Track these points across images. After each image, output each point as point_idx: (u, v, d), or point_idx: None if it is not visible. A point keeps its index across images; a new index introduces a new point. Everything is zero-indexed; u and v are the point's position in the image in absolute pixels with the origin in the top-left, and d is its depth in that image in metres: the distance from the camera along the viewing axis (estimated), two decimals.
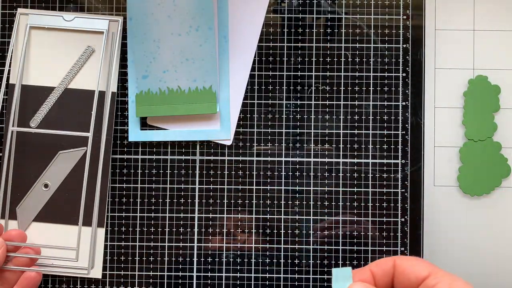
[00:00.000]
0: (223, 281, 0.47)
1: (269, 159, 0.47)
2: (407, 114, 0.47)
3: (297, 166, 0.47)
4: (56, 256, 0.46)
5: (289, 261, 0.47)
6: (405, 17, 0.47)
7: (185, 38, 0.44)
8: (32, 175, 0.46)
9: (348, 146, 0.47)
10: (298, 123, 0.47)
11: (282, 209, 0.47)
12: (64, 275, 0.46)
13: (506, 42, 0.47)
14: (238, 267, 0.47)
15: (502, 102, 0.47)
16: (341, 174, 0.47)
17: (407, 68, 0.47)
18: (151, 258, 0.47)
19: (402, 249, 0.47)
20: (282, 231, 0.47)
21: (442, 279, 0.32)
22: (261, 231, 0.47)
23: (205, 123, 0.47)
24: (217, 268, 0.47)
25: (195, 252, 0.47)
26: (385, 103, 0.47)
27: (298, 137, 0.47)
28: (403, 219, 0.47)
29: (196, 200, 0.47)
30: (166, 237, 0.47)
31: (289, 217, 0.47)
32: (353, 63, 0.47)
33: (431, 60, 0.48)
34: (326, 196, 0.47)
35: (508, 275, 0.47)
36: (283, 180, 0.47)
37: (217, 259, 0.47)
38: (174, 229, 0.47)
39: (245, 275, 0.47)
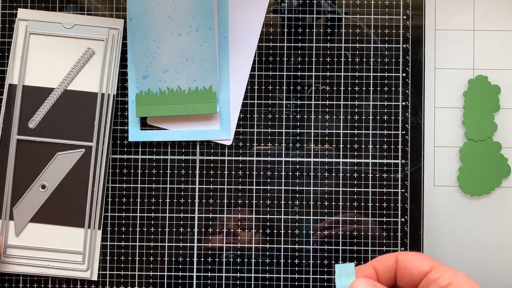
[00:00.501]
0: (223, 281, 0.47)
1: (269, 159, 0.47)
2: (407, 114, 0.47)
3: (297, 166, 0.47)
4: (56, 258, 0.46)
5: (289, 261, 0.47)
6: (405, 17, 0.47)
7: (185, 38, 0.44)
8: (29, 176, 0.46)
9: (348, 146, 0.47)
10: (298, 123, 0.47)
11: (282, 209, 0.47)
12: (63, 276, 0.46)
13: (506, 42, 0.47)
14: (238, 267, 0.47)
15: (502, 102, 0.47)
16: (341, 174, 0.47)
17: (407, 68, 0.47)
18: (151, 258, 0.47)
19: (402, 249, 0.47)
20: (282, 231, 0.47)
21: (443, 273, 0.32)
22: (261, 231, 0.47)
23: (205, 123, 0.47)
24: (217, 268, 0.47)
25: (195, 252, 0.47)
26: (385, 103, 0.47)
27: (298, 137, 0.47)
28: (403, 219, 0.47)
29: (196, 200, 0.47)
30: (166, 237, 0.47)
31: (289, 217, 0.47)
32: (353, 63, 0.47)
33: (431, 60, 0.48)
34: (326, 196, 0.47)
35: (508, 275, 0.47)
36: (283, 180, 0.47)
37: (217, 259, 0.47)
38: (174, 229, 0.47)
39: (245, 275, 0.47)
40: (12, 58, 0.47)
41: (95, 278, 0.46)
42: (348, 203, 0.47)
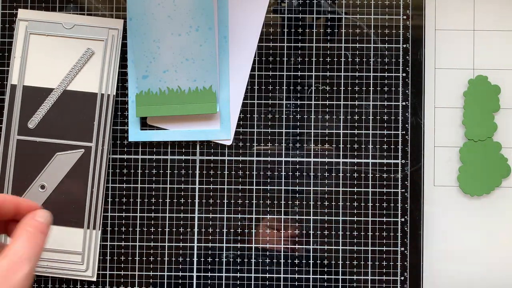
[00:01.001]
0: (223, 281, 0.47)
1: (269, 159, 0.47)
2: (407, 114, 0.47)
3: (297, 166, 0.47)
4: (55, 258, 0.46)
5: (289, 261, 0.47)
6: (405, 17, 0.47)
7: (185, 38, 0.44)
8: (29, 176, 0.46)
9: (348, 146, 0.47)
10: (298, 123, 0.47)
11: (282, 209, 0.47)
12: (62, 276, 0.46)
13: (506, 42, 0.47)
14: (238, 267, 0.47)
15: (502, 102, 0.47)
16: (341, 174, 0.47)
17: (407, 68, 0.47)
18: (151, 258, 0.47)
19: (402, 249, 0.47)
20: (282, 231, 0.47)
21: None
22: (261, 231, 0.47)
23: (205, 123, 0.47)
24: (217, 268, 0.47)
25: (195, 252, 0.47)
26: (385, 103, 0.47)
27: (298, 137, 0.47)
28: (403, 219, 0.47)
29: (196, 200, 0.47)
30: (166, 237, 0.47)
31: (289, 217, 0.47)
32: (353, 63, 0.47)
33: (431, 60, 0.48)
34: (326, 196, 0.47)
35: (508, 275, 0.47)
36: (283, 180, 0.47)
37: (217, 259, 0.47)
38: (174, 229, 0.47)
39: (245, 275, 0.47)
40: (12, 58, 0.47)
41: (94, 278, 0.46)
42: (348, 203, 0.47)
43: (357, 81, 0.47)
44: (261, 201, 0.47)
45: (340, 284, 0.47)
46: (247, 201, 0.47)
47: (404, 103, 0.47)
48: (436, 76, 0.48)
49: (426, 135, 0.47)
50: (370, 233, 0.47)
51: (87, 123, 0.46)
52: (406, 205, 0.47)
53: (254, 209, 0.47)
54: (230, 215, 0.47)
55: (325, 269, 0.47)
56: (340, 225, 0.47)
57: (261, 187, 0.47)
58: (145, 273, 0.47)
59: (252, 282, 0.47)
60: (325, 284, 0.47)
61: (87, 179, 0.46)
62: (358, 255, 0.47)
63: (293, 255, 0.47)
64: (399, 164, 0.47)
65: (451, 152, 0.47)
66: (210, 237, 0.47)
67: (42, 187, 0.46)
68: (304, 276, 0.47)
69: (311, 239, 0.47)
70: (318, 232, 0.47)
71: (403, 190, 0.47)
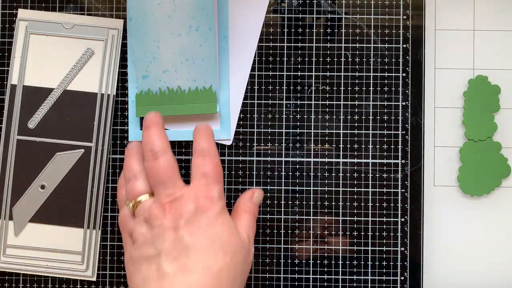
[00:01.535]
0: None
1: (269, 159, 0.47)
2: (407, 114, 0.47)
3: (297, 166, 0.47)
4: (55, 258, 0.46)
5: (289, 261, 0.47)
6: (405, 17, 0.47)
7: (185, 38, 0.44)
8: (29, 176, 0.46)
9: (348, 146, 0.47)
10: (298, 123, 0.47)
11: (282, 209, 0.47)
12: (62, 276, 0.46)
13: (506, 42, 0.47)
14: None
15: (502, 102, 0.47)
16: (341, 174, 0.47)
17: (407, 68, 0.47)
18: None
19: (402, 249, 0.47)
20: (282, 231, 0.47)
21: None
22: (261, 231, 0.47)
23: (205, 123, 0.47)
24: None
25: None
26: (385, 103, 0.47)
27: (298, 137, 0.47)
28: (403, 219, 0.47)
29: None
30: None
31: (289, 217, 0.47)
32: (353, 63, 0.47)
33: (431, 60, 0.48)
34: (326, 196, 0.47)
35: (508, 275, 0.47)
36: (283, 180, 0.47)
37: None
38: None
39: None
40: (12, 58, 0.47)
41: (94, 278, 0.46)
42: (348, 203, 0.47)
43: (357, 81, 0.47)
44: (261, 201, 0.47)
45: (340, 284, 0.47)
46: None
47: (404, 103, 0.47)
48: (436, 76, 0.48)
49: (426, 135, 0.47)
50: (370, 233, 0.47)
51: (87, 123, 0.46)
52: (406, 205, 0.47)
53: None
54: None
55: (325, 269, 0.47)
56: (340, 225, 0.47)
57: (261, 187, 0.47)
58: None
59: (252, 282, 0.47)
60: (325, 284, 0.47)
61: (87, 179, 0.46)
62: (358, 255, 0.47)
63: (293, 255, 0.47)
64: (399, 164, 0.47)
65: (451, 152, 0.47)
66: None
67: (42, 187, 0.46)
68: (304, 276, 0.47)
69: (311, 239, 0.47)
70: (318, 232, 0.47)
71: (403, 190, 0.47)
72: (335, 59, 0.47)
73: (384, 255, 0.47)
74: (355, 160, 0.47)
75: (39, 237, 0.46)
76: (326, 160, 0.47)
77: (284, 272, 0.47)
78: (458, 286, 0.47)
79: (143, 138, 0.41)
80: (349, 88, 0.47)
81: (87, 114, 0.46)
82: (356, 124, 0.47)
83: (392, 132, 0.47)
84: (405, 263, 0.47)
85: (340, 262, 0.47)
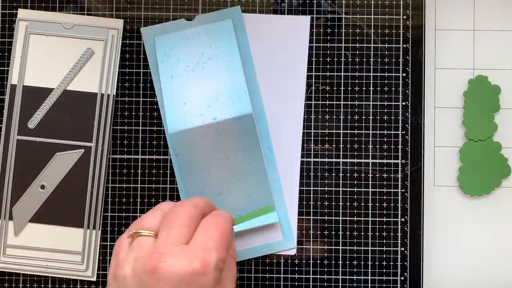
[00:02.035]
0: None
1: None
2: (407, 114, 0.47)
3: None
4: (55, 258, 0.46)
5: (289, 261, 0.47)
6: (405, 17, 0.47)
7: (234, 160, 0.44)
8: (28, 176, 0.46)
9: (348, 146, 0.47)
10: None
11: None
12: (62, 276, 0.46)
13: (506, 42, 0.47)
14: (239, 267, 0.47)
15: (502, 102, 0.47)
16: (341, 174, 0.47)
17: (407, 68, 0.47)
18: None
19: (402, 249, 0.47)
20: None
21: None
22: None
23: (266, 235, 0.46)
24: None
25: None
26: (385, 103, 0.47)
27: None
28: (403, 219, 0.47)
29: None
30: None
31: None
32: (353, 63, 0.47)
33: (431, 60, 0.48)
34: (326, 196, 0.47)
35: (508, 275, 0.47)
36: None
37: None
38: None
39: (245, 275, 0.47)
40: (12, 58, 0.47)
41: (94, 278, 0.46)
42: (348, 203, 0.47)
43: (357, 81, 0.47)
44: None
45: (340, 284, 0.47)
46: None
47: (404, 103, 0.47)
48: (436, 76, 0.48)
49: (426, 135, 0.47)
50: (370, 233, 0.47)
51: (87, 123, 0.46)
52: (406, 205, 0.47)
53: None
54: None
55: (325, 269, 0.47)
56: (340, 225, 0.47)
57: None
58: None
59: (252, 282, 0.47)
60: (325, 284, 0.47)
61: (87, 179, 0.46)
62: (358, 255, 0.47)
63: (293, 255, 0.47)
64: (399, 164, 0.47)
65: (451, 152, 0.47)
66: None
67: (42, 187, 0.46)
68: (304, 276, 0.47)
69: (311, 239, 0.47)
70: (318, 232, 0.47)
71: (403, 190, 0.47)
72: (335, 59, 0.47)
73: (384, 255, 0.47)
74: (355, 160, 0.47)
75: (39, 237, 0.46)
76: (326, 160, 0.47)
77: (284, 272, 0.47)
78: (458, 286, 0.47)
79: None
80: (349, 88, 0.47)
81: (87, 114, 0.46)
82: (356, 124, 0.47)
83: (392, 132, 0.47)
84: (405, 263, 0.47)
85: (340, 262, 0.47)
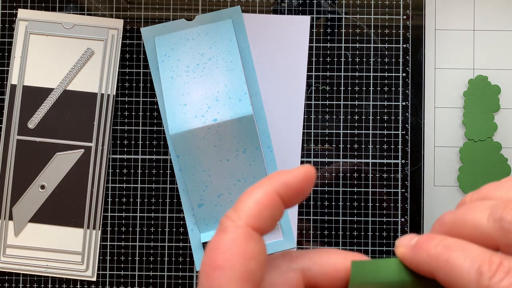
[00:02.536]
0: None
1: None
2: (407, 114, 0.47)
3: None
4: (55, 258, 0.46)
5: None
6: (405, 17, 0.47)
7: (234, 162, 0.44)
8: (28, 176, 0.46)
9: (348, 146, 0.47)
10: None
11: None
12: (62, 276, 0.46)
13: (506, 42, 0.47)
14: None
15: (502, 102, 0.47)
16: (341, 174, 0.47)
17: (407, 68, 0.47)
18: (151, 258, 0.47)
19: None
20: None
21: None
22: None
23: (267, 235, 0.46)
24: None
25: None
26: (385, 103, 0.47)
27: None
28: (403, 219, 0.47)
29: None
30: (166, 237, 0.47)
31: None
32: (353, 63, 0.47)
33: (431, 60, 0.48)
34: (326, 196, 0.47)
35: None
36: None
37: None
38: (174, 229, 0.47)
39: None
40: (12, 58, 0.47)
41: (94, 278, 0.46)
42: (348, 203, 0.47)
43: (357, 81, 0.47)
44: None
45: None
46: None
47: (404, 103, 0.47)
48: (436, 76, 0.48)
49: (426, 135, 0.47)
50: (370, 233, 0.47)
51: (87, 123, 0.46)
52: (406, 205, 0.47)
53: None
54: None
55: None
56: (340, 225, 0.47)
57: None
58: (145, 273, 0.47)
59: None
60: None
61: (87, 179, 0.46)
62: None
63: None
64: (399, 164, 0.47)
65: (451, 152, 0.47)
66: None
67: (42, 187, 0.46)
68: None
69: (311, 239, 0.47)
70: (318, 232, 0.47)
71: (403, 190, 0.47)
72: (335, 59, 0.47)
73: (384, 255, 0.47)
74: (355, 160, 0.47)
75: (39, 237, 0.46)
76: (326, 160, 0.47)
77: None
78: None
79: None
80: (349, 88, 0.47)
81: (87, 114, 0.46)
82: (356, 124, 0.47)
83: (392, 132, 0.47)
84: None
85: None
